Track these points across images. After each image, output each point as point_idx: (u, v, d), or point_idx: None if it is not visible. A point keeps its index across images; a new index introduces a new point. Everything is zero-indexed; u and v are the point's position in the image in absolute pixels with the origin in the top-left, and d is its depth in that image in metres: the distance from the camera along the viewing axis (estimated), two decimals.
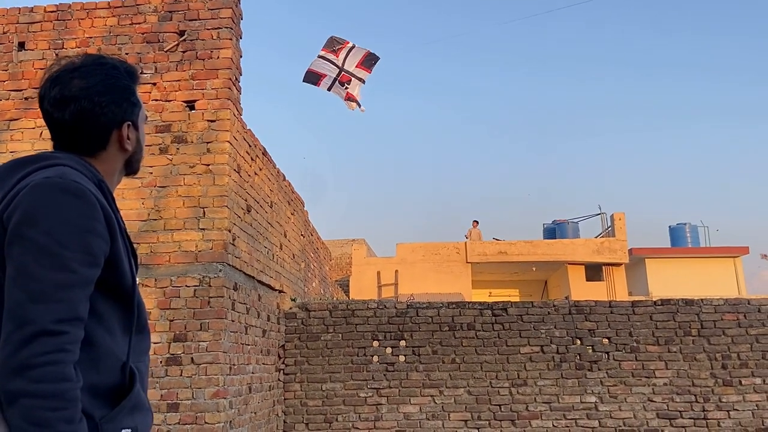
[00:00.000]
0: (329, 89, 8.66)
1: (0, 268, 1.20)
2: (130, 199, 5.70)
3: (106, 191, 1.36)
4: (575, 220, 18.44)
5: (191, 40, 5.98)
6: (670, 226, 20.82)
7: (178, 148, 5.80)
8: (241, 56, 6.32)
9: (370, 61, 8.62)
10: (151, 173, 5.75)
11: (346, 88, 8.60)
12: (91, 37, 5.98)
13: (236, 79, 6.16)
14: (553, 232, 18.44)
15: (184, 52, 5.97)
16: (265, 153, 7.25)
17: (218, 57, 5.94)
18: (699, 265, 19.98)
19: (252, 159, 6.69)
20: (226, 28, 6.00)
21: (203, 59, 5.94)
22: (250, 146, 6.61)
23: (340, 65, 8.55)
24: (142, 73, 5.93)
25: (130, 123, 1.45)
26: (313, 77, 8.61)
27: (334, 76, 8.58)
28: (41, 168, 1.29)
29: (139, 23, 6.03)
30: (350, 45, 8.57)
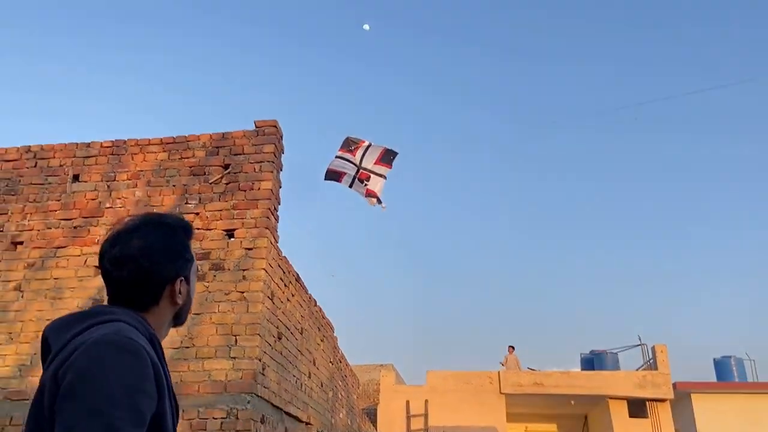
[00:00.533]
0: (350, 186, 8.72)
1: (49, 424, 1.22)
2: None
3: (157, 345, 1.40)
4: (614, 351, 17.71)
5: (234, 173, 6.29)
6: (714, 359, 19.81)
7: (215, 275, 5.91)
8: (280, 187, 6.59)
9: (388, 156, 8.68)
10: None
11: (366, 185, 8.63)
12: (141, 171, 6.34)
13: (275, 208, 6.38)
14: (591, 362, 17.68)
15: (227, 183, 6.26)
16: (298, 279, 7.32)
17: (259, 188, 6.20)
18: (748, 401, 18.74)
19: (285, 285, 6.75)
20: (268, 161, 6.31)
21: (245, 190, 6.20)
22: (284, 273, 6.70)
23: (358, 163, 8.63)
24: (186, 203, 6.21)
25: (182, 278, 1.51)
26: (333, 175, 8.69)
27: (353, 174, 8.65)
28: (99, 323, 1.34)
29: (188, 157, 6.40)
30: (366, 143, 8.68)
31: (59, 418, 1.20)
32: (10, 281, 5.94)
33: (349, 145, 8.74)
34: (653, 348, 16.34)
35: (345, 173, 8.70)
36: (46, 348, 1.35)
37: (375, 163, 8.64)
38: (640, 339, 17.49)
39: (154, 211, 6.05)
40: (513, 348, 18.22)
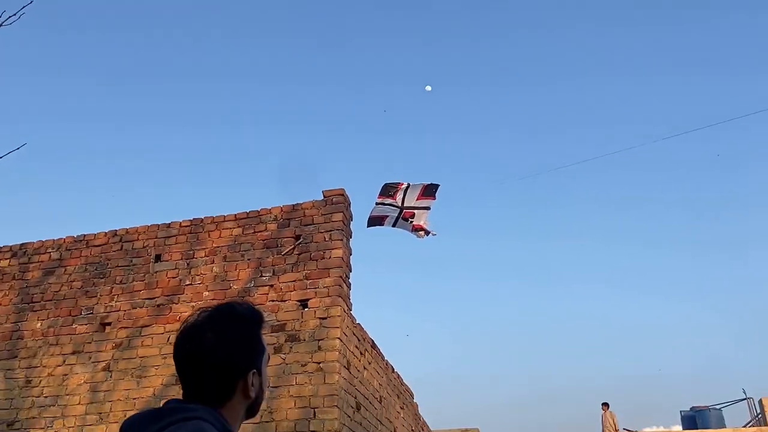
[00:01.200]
0: (394, 225, 8.72)
1: None
2: None
3: None
4: (718, 407, 16.36)
5: (306, 243, 6.40)
6: None
7: (291, 347, 5.93)
8: (350, 254, 6.63)
9: (430, 190, 8.66)
10: None
11: (411, 221, 8.65)
12: (218, 247, 6.56)
13: (346, 276, 6.41)
14: (693, 420, 16.37)
15: (299, 254, 6.37)
16: (374, 346, 7.24)
17: (330, 257, 6.27)
18: None
19: (361, 353, 6.69)
20: (338, 230, 6.39)
21: (316, 260, 6.28)
22: (359, 340, 6.65)
23: (400, 205, 8.63)
24: (261, 276, 6.34)
25: (255, 371, 1.50)
26: (375, 221, 8.69)
27: (396, 215, 8.67)
28: (178, 421, 1.34)
29: (261, 231, 6.58)
30: (405, 185, 8.66)
31: None
32: (99, 362, 6.19)
33: (388, 191, 8.73)
34: (761, 401, 15.00)
35: (387, 216, 8.71)
36: None
37: (417, 199, 8.66)
38: (745, 393, 16.13)
39: (230, 286, 6.22)
40: (607, 405, 17.16)
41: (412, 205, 8.61)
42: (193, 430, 1.29)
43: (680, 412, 16.74)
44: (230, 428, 1.41)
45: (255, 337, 1.53)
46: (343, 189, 6.71)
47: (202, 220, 6.72)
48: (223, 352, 1.43)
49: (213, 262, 6.42)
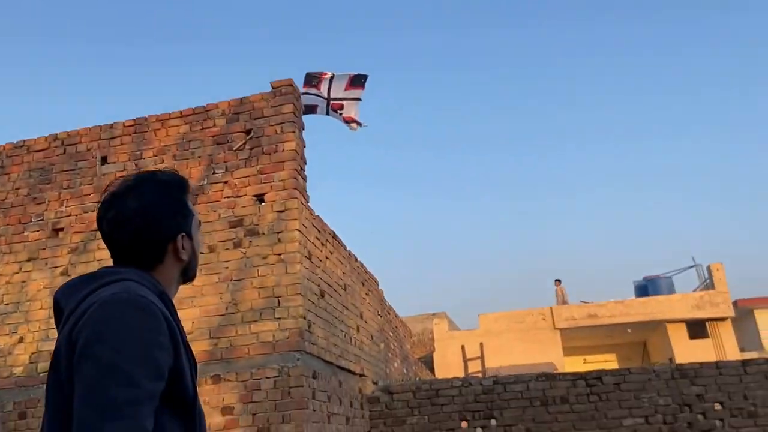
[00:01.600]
0: (327, 114, 8.36)
1: (68, 384, 1.23)
2: (209, 295, 5.86)
3: (168, 302, 1.39)
4: (668, 275, 17.34)
5: (257, 137, 6.27)
6: None
7: (250, 241, 5.96)
8: (304, 146, 6.54)
9: (358, 80, 8.28)
10: (227, 267, 5.91)
11: (341, 113, 8.30)
12: (166, 146, 6.38)
13: (301, 168, 6.35)
14: (645, 289, 17.39)
15: (251, 149, 6.25)
16: (334, 236, 7.33)
17: (283, 150, 6.16)
18: None
19: (322, 244, 6.78)
20: (289, 122, 6.25)
21: (269, 153, 6.18)
22: (319, 231, 6.72)
23: (326, 96, 8.28)
24: (213, 173, 6.24)
25: (184, 234, 1.50)
26: (307, 109, 8.21)
27: (324, 106, 8.31)
28: (108, 284, 1.33)
29: (209, 127, 6.40)
30: (329, 75, 8.28)
31: (77, 378, 1.20)
32: (57, 267, 6.15)
33: (311, 80, 8.30)
34: (708, 267, 15.94)
35: (317, 105, 8.29)
36: (58, 311, 1.36)
37: (345, 90, 8.27)
38: (694, 260, 17.08)
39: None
40: (559, 281, 18.10)
41: (339, 96, 8.29)
42: (123, 289, 1.30)
43: (633, 282, 17.73)
44: (162, 289, 1.42)
45: (179, 201, 1.53)
46: (292, 79, 6.50)
47: (146, 119, 6.48)
48: (146, 216, 1.42)
49: (162, 162, 6.27)
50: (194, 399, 1.36)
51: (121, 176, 5.58)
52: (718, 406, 6.88)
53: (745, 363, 7.06)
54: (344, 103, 8.24)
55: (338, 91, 8.26)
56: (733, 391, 6.90)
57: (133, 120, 6.53)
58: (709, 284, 15.97)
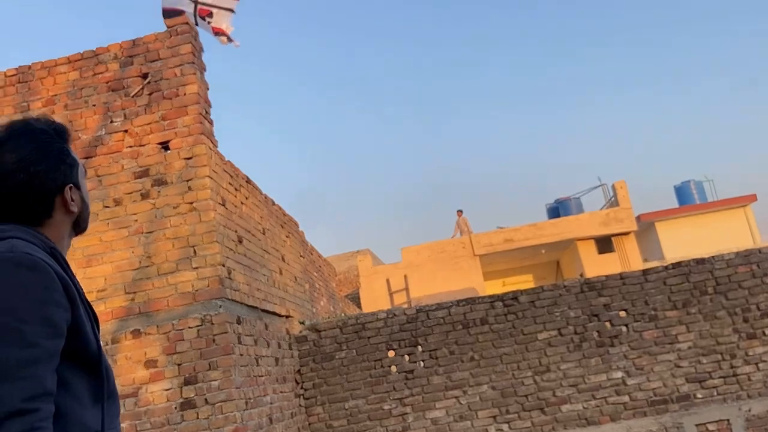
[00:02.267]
0: (196, 25, 7.16)
1: None
2: (119, 250, 5.64)
3: (59, 257, 1.33)
4: (577, 196, 18.28)
5: (155, 81, 5.93)
6: (674, 186, 20.65)
7: (159, 191, 5.74)
8: (207, 88, 6.26)
9: None
10: (137, 220, 5.69)
11: (209, 22, 7.36)
12: (56, 95, 5.94)
13: (206, 112, 6.10)
14: (556, 211, 18.30)
15: (150, 94, 5.92)
16: (248, 181, 7.18)
17: (185, 93, 5.88)
18: (710, 220, 19.78)
19: (236, 189, 6.62)
20: (188, 63, 5.94)
21: (170, 98, 5.88)
22: (232, 177, 6.55)
23: None
24: (111, 122, 5.89)
25: (71, 185, 1.42)
26: (171, 14, 7.07)
27: (191, 11, 7.26)
28: None
29: (102, 72, 5.99)
30: None
31: None
32: None
33: None
34: (613, 186, 16.87)
35: (182, 11, 7.13)
36: None
37: None
38: (599, 180, 18.02)
39: (79, 137, 5.74)
40: (461, 212, 18.65)
41: (209, 2, 7.25)
42: (7, 248, 1.24)
43: (545, 205, 18.58)
44: (53, 245, 1.36)
45: (61, 151, 1.45)
46: (187, 17, 6.13)
47: (30, 67, 5.98)
48: (26, 168, 1.34)
49: (53, 112, 5.84)
50: (98, 353, 1.34)
51: None
52: (623, 314, 7.45)
53: (645, 272, 7.63)
54: (213, 11, 7.27)
55: None
56: (636, 299, 7.47)
57: (15, 69, 6.00)
58: (614, 202, 16.97)
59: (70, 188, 1.41)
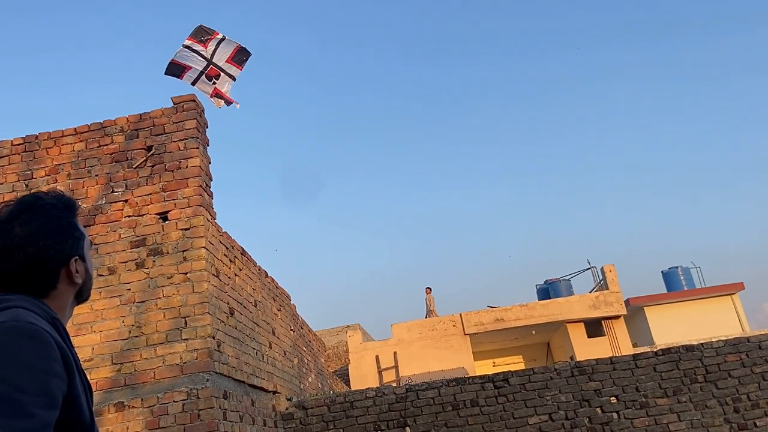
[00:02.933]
0: (193, 83, 7.60)
1: None
2: (110, 319, 5.61)
3: (60, 328, 1.37)
4: (567, 278, 18.38)
5: (159, 154, 6.10)
6: (662, 271, 20.82)
7: (154, 261, 5.78)
8: (209, 162, 6.43)
9: (240, 56, 7.74)
10: (129, 289, 5.70)
11: (214, 83, 7.64)
12: (59, 164, 6.08)
13: (207, 185, 6.24)
14: (546, 292, 18.33)
15: (153, 166, 6.07)
16: (243, 252, 7.24)
17: (187, 167, 6.04)
18: (698, 307, 19.86)
19: (231, 261, 6.67)
20: (192, 138, 6.13)
21: (172, 170, 6.03)
22: (227, 248, 6.61)
23: (209, 57, 7.58)
24: (112, 192, 6.01)
25: (77, 257, 1.46)
26: (176, 69, 7.55)
27: (201, 69, 7.60)
28: None
29: (107, 144, 6.16)
30: (220, 36, 7.66)
31: None
32: None
33: (201, 35, 7.60)
34: (602, 269, 16.99)
35: (191, 68, 7.56)
36: None
37: (227, 61, 7.66)
38: (589, 263, 18.17)
39: (79, 205, 5.83)
40: (430, 289, 18.66)
41: (220, 64, 7.58)
42: (11, 318, 1.27)
43: (536, 285, 18.62)
44: (55, 315, 1.40)
45: (69, 224, 1.49)
46: (194, 95, 6.39)
47: (37, 137, 6.14)
48: (36, 243, 1.39)
49: (56, 181, 5.96)
50: (91, 425, 1.36)
51: (10, 198, 5.25)
52: (613, 400, 7.37)
53: (635, 357, 7.61)
54: (222, 74, 7.60)
55: (221, 57, 7.63)
56: (626, 384, 7.42)
57: (23, 138, 6.17)
58: (603, 285, 17.04)
59: (76, 260, 1.45)
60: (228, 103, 7.64)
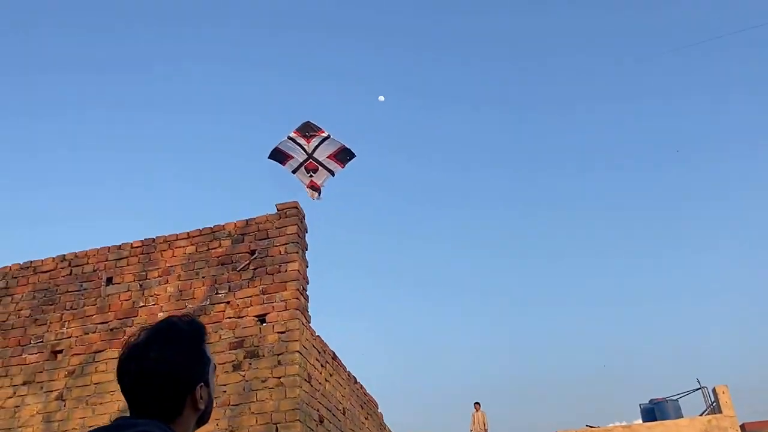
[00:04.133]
0: (293, 172, 7.91)
1: None
2: None
3: None
4: (674, 398, 16.85)
5: (261, 257, 6.38)
6: None
7: (250, 363, 5.89)
8: (307, 266, 6.63)
9: (344, 155, 7.96)
10: (225, 391, 5.79)
11: (311, 176, 7.91)
12: (171, 266, 6.47)
13: (303, 288, 6.41)
14: (652, 412, 16.81)
15: (255, 269, 6.34)
16: (335, 357, 7.24)
17: (286, 270, 6.25)
18: None
19: (322, 365, 6.68)
20: (293, 242, 6.39)
21: (272, 274, 6.26)
22: (319, 353, 6.64)
23: (310, 152, 7.87)
24: (216, 293, 6.28)
25: (202, 384, 1.51)
26: (279, 156, 7.88)
27: (301, 160, 7.89)
28: None
29: (215, 248, 6.53)
30: (325, 134, 7.91)
31: None
32: (52, 391, 6.01)
33: (307, 130, 7.90)
34: (714, 390, 15.53)
35: (292, 157, 7.89)
36: None
37: (329, 157, 7.91)
38: (699, 383, 16.66)
39: (186, 305, 6.14)
40: (479, 404, 17.21)
41: (321, 159, 7.87)
42: None
43: (640, 405, 17.17)
44: None
45: (199, 351, 1.54)
46: (297, 202, 6.73)
47: (153, 240, 6.62)
48: (168, 369, 1.44)
49: (167, 282, 6.33)
50: None
51: (125, 298, 5.56)
52: None
53: None
54: (320, 168, 7.90)
55: (323, 153, 7.93)
56: None
57: (141, 241, 6.66)
58: (715, 407, 15.49)
59: (201, 387, 1.48)
60: (319, 195, 7.91)
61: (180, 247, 6.56)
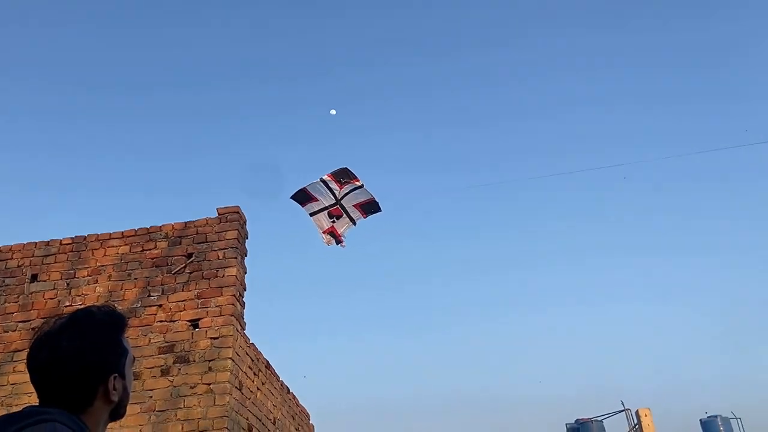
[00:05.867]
0: (312, 215, 7.80)
1: None
2: (128, 426, 5.49)
3: None
4: (599, 419, 17.39)
5: (198, 261, 6.26)
6: (701, 420, 19.59)
7: (179, 369, 5.75)
8: (245, 273, 6.55)
9: (370, 207, 7.93)
10: (151, 397, 5.62)
11: (333, 221, 7.83)
12: (102, 266, 6.27)
13: (240, 295, 6.32)
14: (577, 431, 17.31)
15: (190, 273, 6.21)
16: (268, 366, 7.14)
17: (224, 275, 6.16)
18: None
19: (254, 374, 6.58)
20: (232, 248, 6.31)
21: (209, 279, 6.15)
22: (252, 360, 6.55)
23: (339, 198, 7.78)
24: (149, 296, 6.12)
25: (116, 375, 1.47)
26: (303, 197, 7.76)
27: (327, 205, 7.80)
28: (32, 424, 1.29)
29: (150, 249, 6.36)
30: (359, 183, 7.83)
31: None
32: None
33: (342, 176, 7.81)
34: (637, 412, 16.12)
35: (317, 200, 7.77)
36: None
37: (354, 206, 7.86)
38: (623, 404, 17.26)
39: (115, 305, 5.94)
40: None
41: (347, 207, 7.81)
42: (49, 431, 1.28)
43: (566, 424, 17.64)
44: (89, 431, 1.39)
45: (114, 341, 1.49)
46: (238, 207, 6.65)
47: (85, 238, 6.40)
48: (78, 359, 1.40)
49: (96, 282, 6.12)
50: None
51: (50, 296, 5.36)
52: None
53: None
54: (344, 216, 7.83)
55: (351, 201, 7.85)
56: None
57: (71, 238, 6.43)
58: (637, 429, 16.07)
59: (114, 377, 1.45)
60: (338, 242, 7.85)
61: (113, 246, 6.36)
